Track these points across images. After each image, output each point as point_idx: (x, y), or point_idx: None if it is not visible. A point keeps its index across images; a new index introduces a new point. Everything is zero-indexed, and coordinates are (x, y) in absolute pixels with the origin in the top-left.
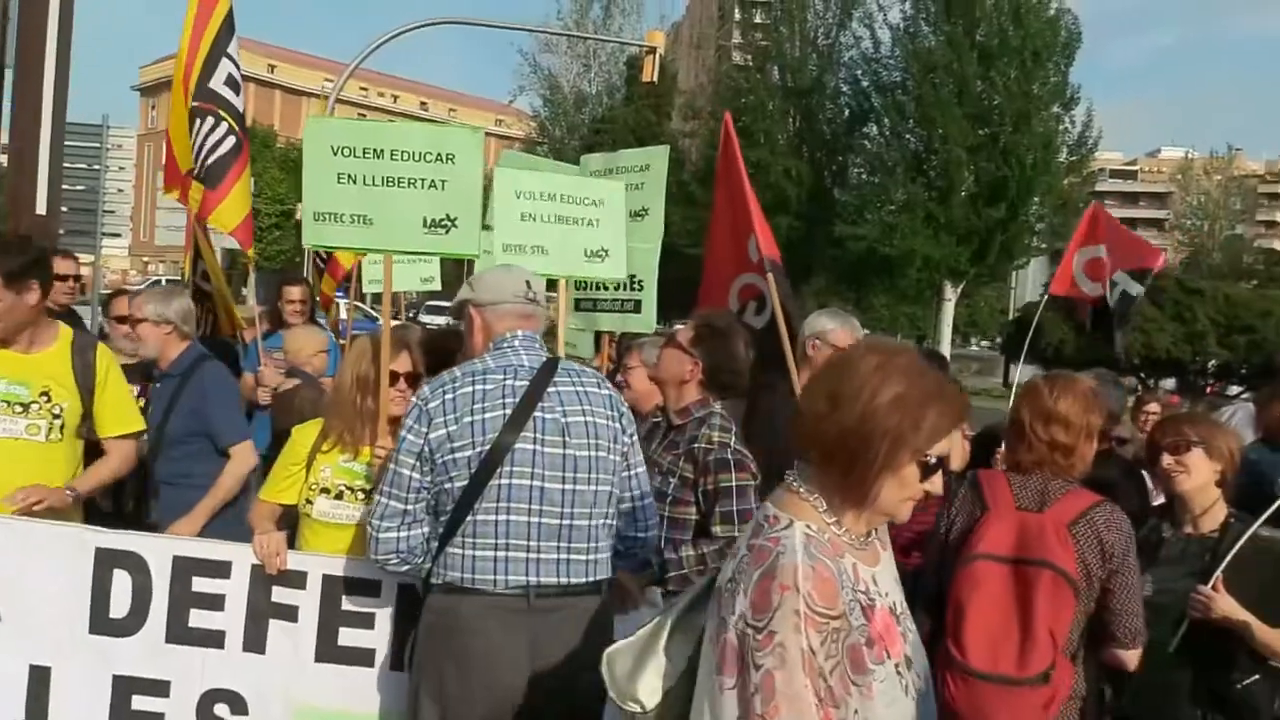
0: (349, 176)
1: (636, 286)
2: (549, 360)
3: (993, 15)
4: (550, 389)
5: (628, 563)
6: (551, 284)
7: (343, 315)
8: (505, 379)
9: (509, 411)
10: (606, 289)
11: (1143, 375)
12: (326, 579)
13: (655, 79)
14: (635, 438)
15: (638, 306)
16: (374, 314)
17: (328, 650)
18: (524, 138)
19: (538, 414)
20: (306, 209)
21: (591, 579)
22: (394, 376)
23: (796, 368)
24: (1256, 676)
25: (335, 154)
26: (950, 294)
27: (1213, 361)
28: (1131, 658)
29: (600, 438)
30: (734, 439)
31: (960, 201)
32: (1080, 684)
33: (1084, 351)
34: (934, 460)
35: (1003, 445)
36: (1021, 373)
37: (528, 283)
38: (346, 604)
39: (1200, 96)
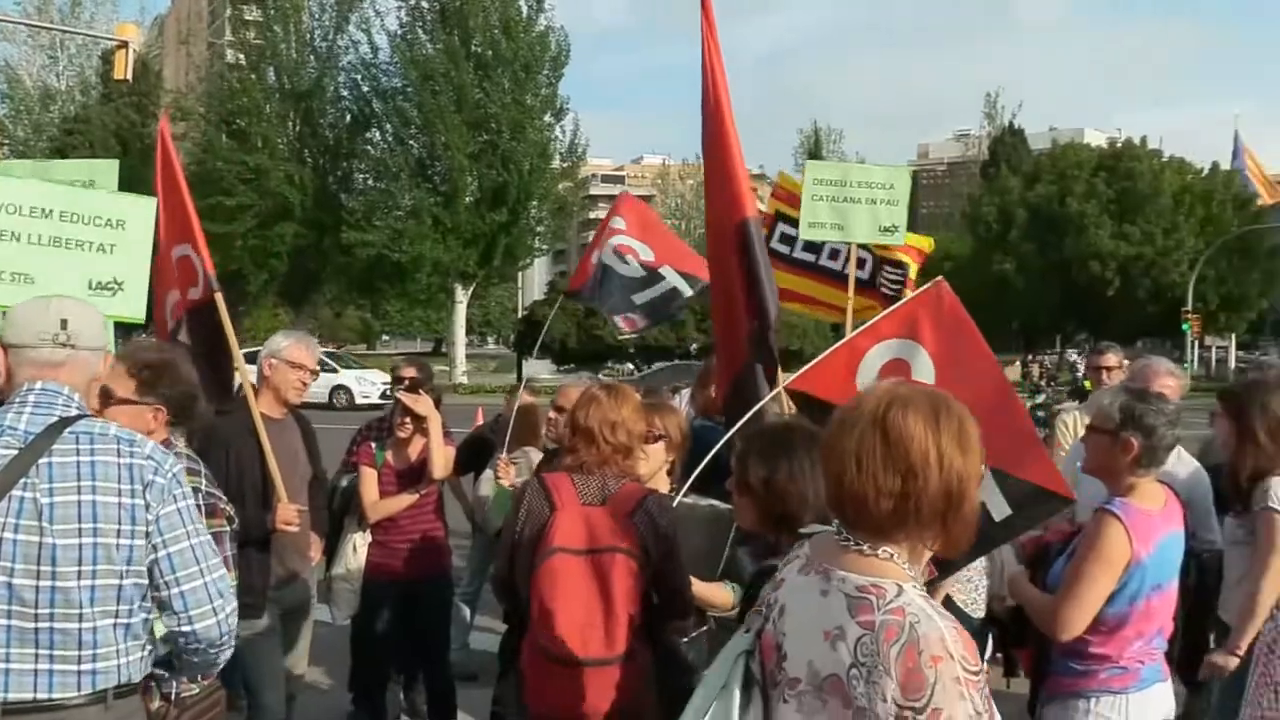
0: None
1: None
2: (57, 423)
3: (486, 28)
4: (42, 461)
5: (191, 662)
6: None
7: None
8: None
9: None
10: None
11: (638, 362)
12: None
13: (129, 76)
14: (177, 510)
15: None
16: None
17: None
18: None
19: (15, 493)
20: None
21: (90, 690)
22: None
23: (254, 389)
24: (705, 628)
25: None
26: (461, 296)
27: (694, 345)
28: (683, 627)
29: (101, 521)
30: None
31: (465, 206)
32: (652, 656)
33: (585, 345)
34: None
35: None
36: (532, 368)
37: (64, 321)
38: None
39: (676, 109)
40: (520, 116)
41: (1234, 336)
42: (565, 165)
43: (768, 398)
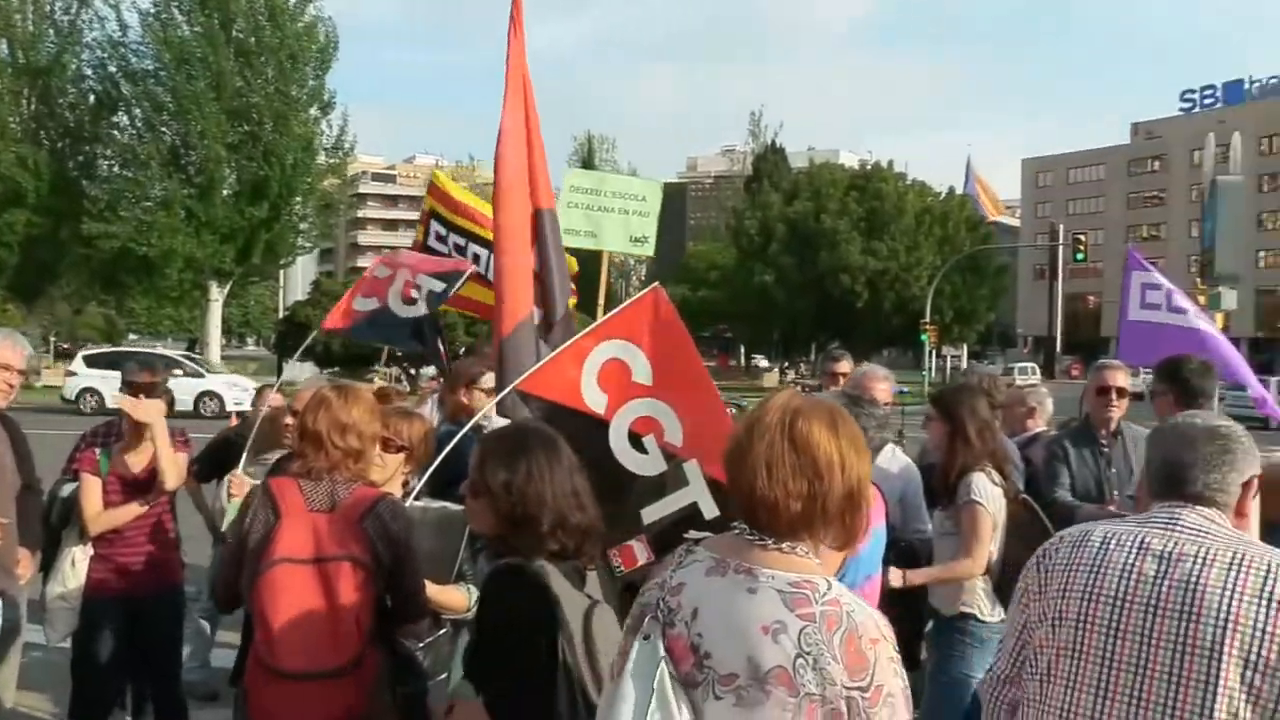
0: None
1: None
2: None
3: (249, 13)
4: None
5: None
6: None
7: None
8: None
9: None
10: None
11: (405, 366)
12: None
13: None
14: None
15: None
16: None
17: None
18: None
19: None
20: None
21: None
22: None
23: None
24: (442, 631)
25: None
26: (217, 294)
27: (463, 349)
28: (418, 630)
29: None
30: None
31: (222, 200)
32: (383, 662)
33: (351, 348)
34: None
35: None
36: (293, 371)
37: None
38: None
39: (452, 109)
40: (284, 108)
41: (966, 346)
42: (332, 161)
43: (494, 402)
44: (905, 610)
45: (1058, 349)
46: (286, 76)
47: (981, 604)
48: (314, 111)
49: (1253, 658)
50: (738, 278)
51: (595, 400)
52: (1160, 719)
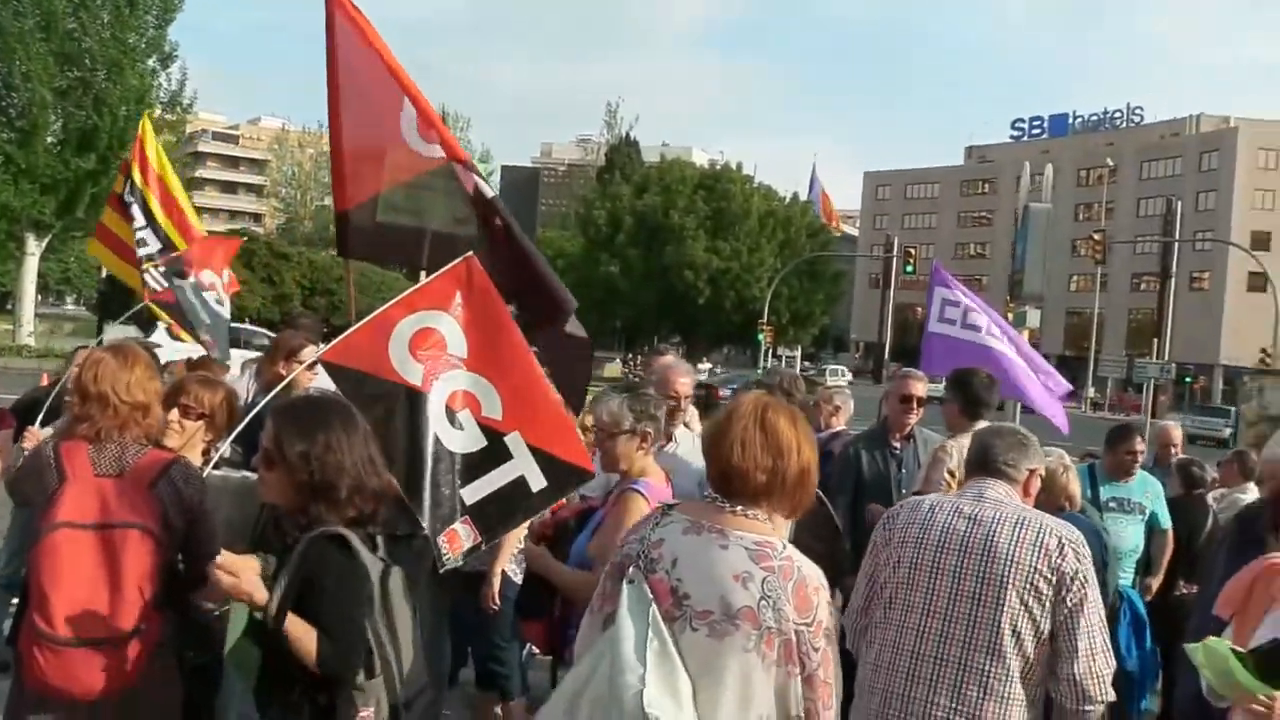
0: None
1: None
2: None
3: None
4: None
5: None
6: None
7: None
8: None
9: None
10: None
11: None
12: None
13: None
14: None
15: None
16: None
17: None
18: None
19: None
20: None
21: None
22: None
23: None
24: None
25: None
26: (34, 248)
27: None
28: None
29: None
30: None
31: (45, 147)
32: (168, 630)
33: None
34: None
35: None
36: (116, 332)
37: None
38: None
39: (303, 73)
40: (120, 56)
41: (800, 348)
42: (168, 117)
43: (302, 368)
44: None
45: (886, 355)
46: (124, 23)
47: None
48: (152, 63)
49: (1027, 586)
50: (584, 266)
51: (409, 371)
52: (965, 629)
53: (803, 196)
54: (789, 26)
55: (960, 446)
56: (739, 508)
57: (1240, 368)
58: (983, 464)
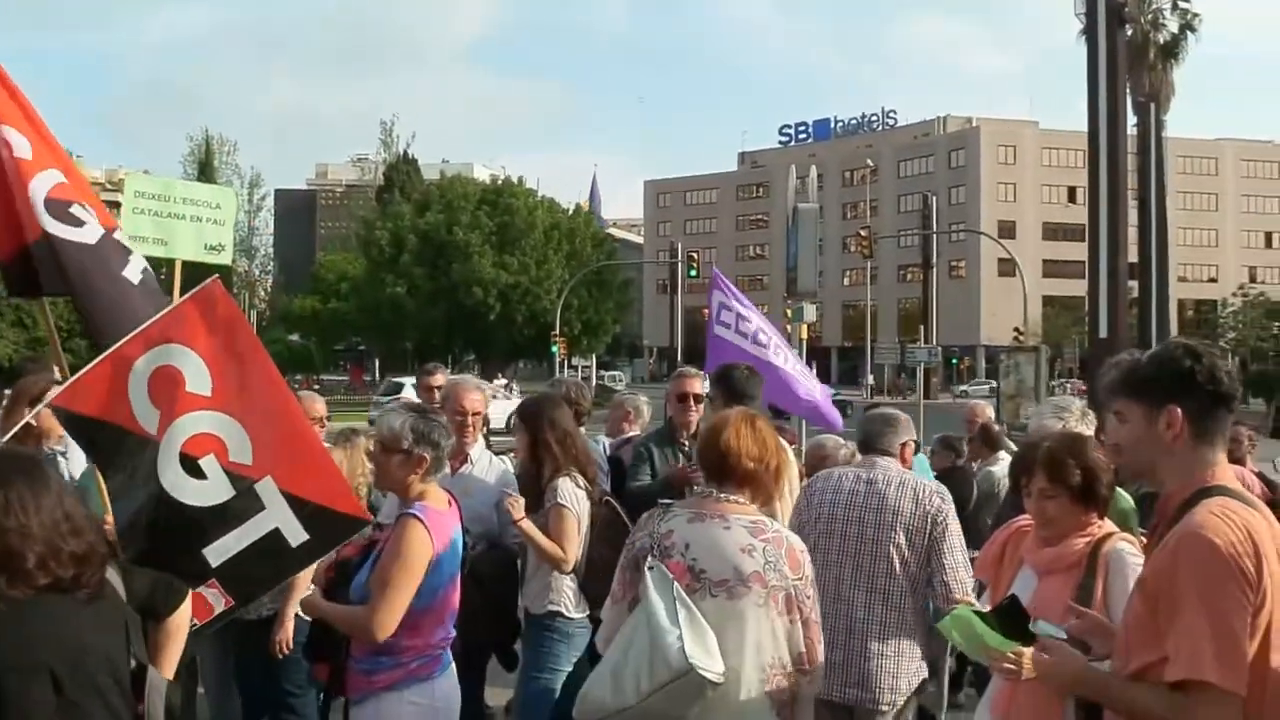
0: None
1: None
2: None
3: None
4: None
5: None
6: None
7: None
8: None
9: None
10: None
11: None
12: None
13: None
14: None
15: None
16: None
17: None
18: None
19: None
20: None
21: None
22: None
23: None
24: None
25: None
26: None
27: None
28: None
29: None
30: None
31: None
32: None
33: None
34: None
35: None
36: None
37: None
38: None
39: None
40: None
41: (595, 357)
42: None
43: (29, 418)
44: (500, 614)
45: (679, 357)
46: None
47: (568, 602)
48: None
49: (907, 529)
50: (369, 289)
51: (146, 417)
52: (864, 570)
53: (585, 208)
54: (556, 43)
55: None
56: (731, 496)
57: (998, 346)
58: (867, 444)
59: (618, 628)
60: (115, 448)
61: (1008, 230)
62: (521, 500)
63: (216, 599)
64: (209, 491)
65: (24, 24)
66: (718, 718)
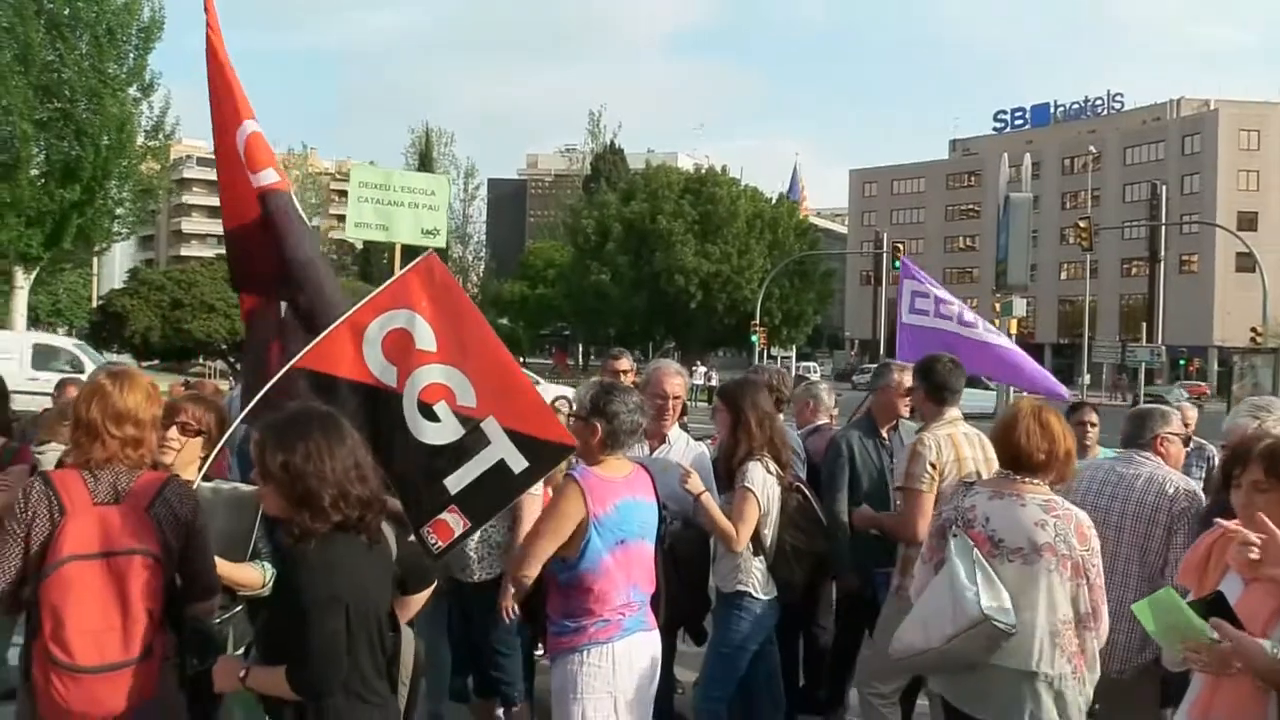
0: None
1: None
2: None
3: None
4: None
5: None
6: None
7: None
8: None
9: None
10: None
11: (230, 361)
12: None
13: None
14: None
15: None
16: None
17: None
18: None
19: None
20: None
21: None
22: None
23: None
24: (238, 608)
25: None
26: (23, 281)
27: None
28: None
29: None
30: None
31: (29, 180)
32: (171, 643)
33: (171, 340)
34: None
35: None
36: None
37: None
38: None
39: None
40: (99, 86)
41: (795, 348)
42: (151, 144)
43: (274, 380)
44: (693, 590)
45: (881, 350)
46: (103, 53)
47: (756, 582)
48: (133, 91)
49: (1149, 521)
50: (574, 276)
51: (384, 373)
52: (1106, 555)
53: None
54: (758, 31)
55: (937, 439)
56: (1025, 478)
57: (1232, 348)
58: (1125, 440)
59: (926, 584)
60: (349, 402)
61: (1248, 222)
62: (696, 474)
63: (456, 522)
64: (444, 432)
65: (255, 24)
66: (1016, 660)
